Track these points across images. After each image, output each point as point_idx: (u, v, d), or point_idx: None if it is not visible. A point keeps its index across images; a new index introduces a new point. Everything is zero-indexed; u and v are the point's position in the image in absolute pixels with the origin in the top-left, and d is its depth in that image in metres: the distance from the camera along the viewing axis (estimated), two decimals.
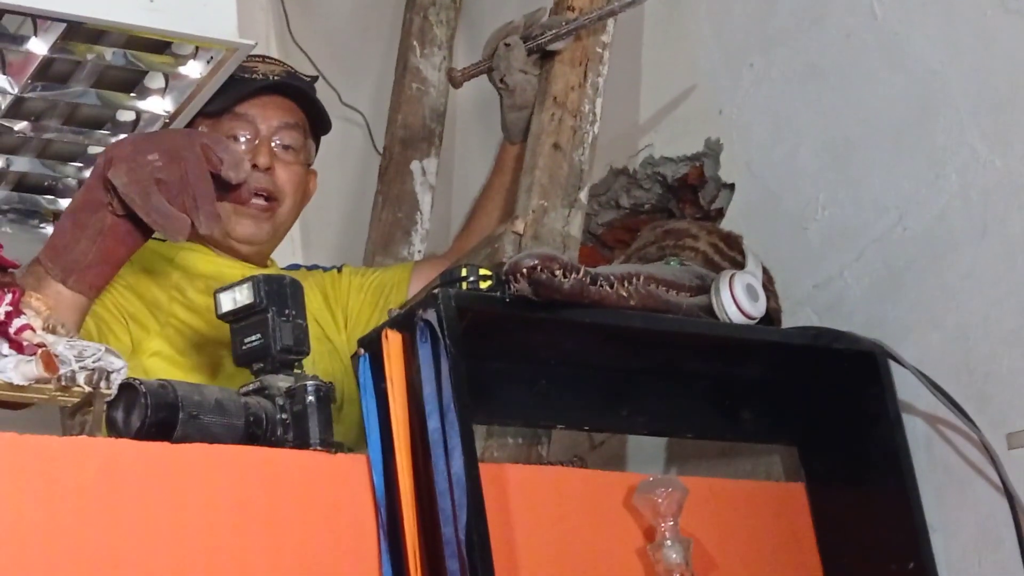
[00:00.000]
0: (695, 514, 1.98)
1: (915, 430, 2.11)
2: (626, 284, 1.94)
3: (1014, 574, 1.95)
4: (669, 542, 1.90)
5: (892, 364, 2.09)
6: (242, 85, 2.37)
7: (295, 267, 2.60)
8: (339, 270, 2.58)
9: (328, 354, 2.40)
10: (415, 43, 2.91)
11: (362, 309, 2.48)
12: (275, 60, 2.55)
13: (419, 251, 2.78)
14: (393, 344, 1.79)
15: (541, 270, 1.82)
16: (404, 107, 2.88)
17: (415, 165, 2.85)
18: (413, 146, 2.86)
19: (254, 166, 2.35)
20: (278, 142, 2.41)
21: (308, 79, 2.55)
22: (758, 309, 2.07)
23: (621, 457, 2.60)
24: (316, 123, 2.50)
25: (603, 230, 2.72)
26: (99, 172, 1.92)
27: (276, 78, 2.43)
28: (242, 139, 2.39)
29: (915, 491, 2.06)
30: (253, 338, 1.82)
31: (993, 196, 2.07)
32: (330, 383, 1.82)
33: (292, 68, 2.54)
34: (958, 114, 2.12)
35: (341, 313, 2.50)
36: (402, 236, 2.79)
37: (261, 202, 2.39)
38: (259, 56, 2.47)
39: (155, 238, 2.25)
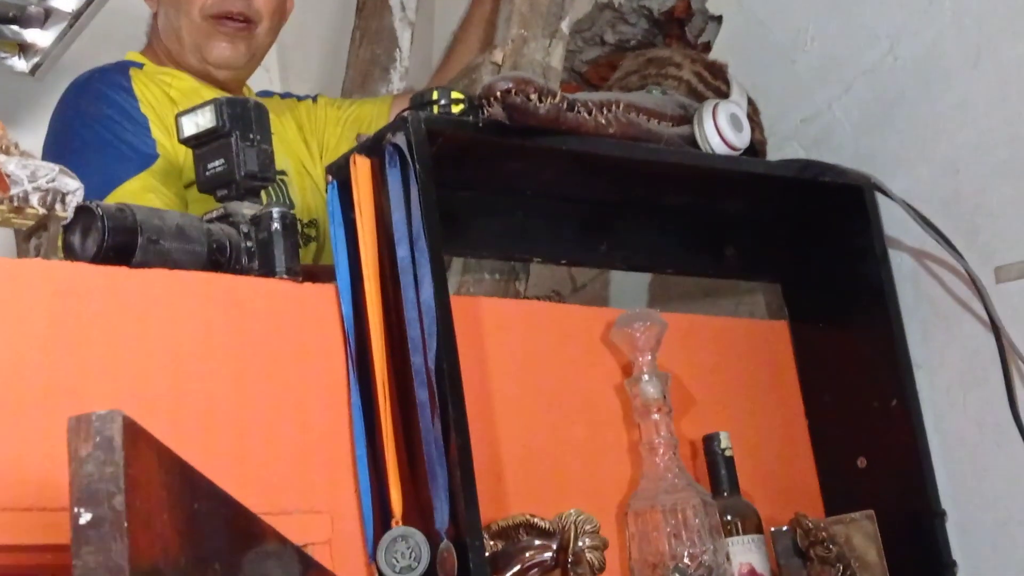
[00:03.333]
0: (675, 350, 1.94)
1: (901, 265, 2.06)
2: (605, 111, 1.86)
3: (999, 410, 1.92)
4: (646, 376, 1.85)
5: (880, 198, 2.04)
6: None
7: (267, 94, 2.51)
8: (314, 100, 2.50)
9: (311, 189, 2.34)
10: None
11: (339, 143, 2.41)
12: None
13: (398, 89, 2.70)
14: (361, 170, 1.72)
15: (515, 93, 1.74)
16: None
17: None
18: None
19: None
20: None
21: None
22: (742, 140, 2.00)
23: (604, 299, 2.56)
24: None
25: (588, 67, 2.63)
26: None
27: None
28: None
29: (900, 327, 2.02)
30: (216, 163, 1.75)
31: (987, 22, 1.99)
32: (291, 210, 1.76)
33: None
34: None
35: (317, 145, 2.43)
36: (380, 73, 2.71)
37: (237, 24, 2.30)
38: None
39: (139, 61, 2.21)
